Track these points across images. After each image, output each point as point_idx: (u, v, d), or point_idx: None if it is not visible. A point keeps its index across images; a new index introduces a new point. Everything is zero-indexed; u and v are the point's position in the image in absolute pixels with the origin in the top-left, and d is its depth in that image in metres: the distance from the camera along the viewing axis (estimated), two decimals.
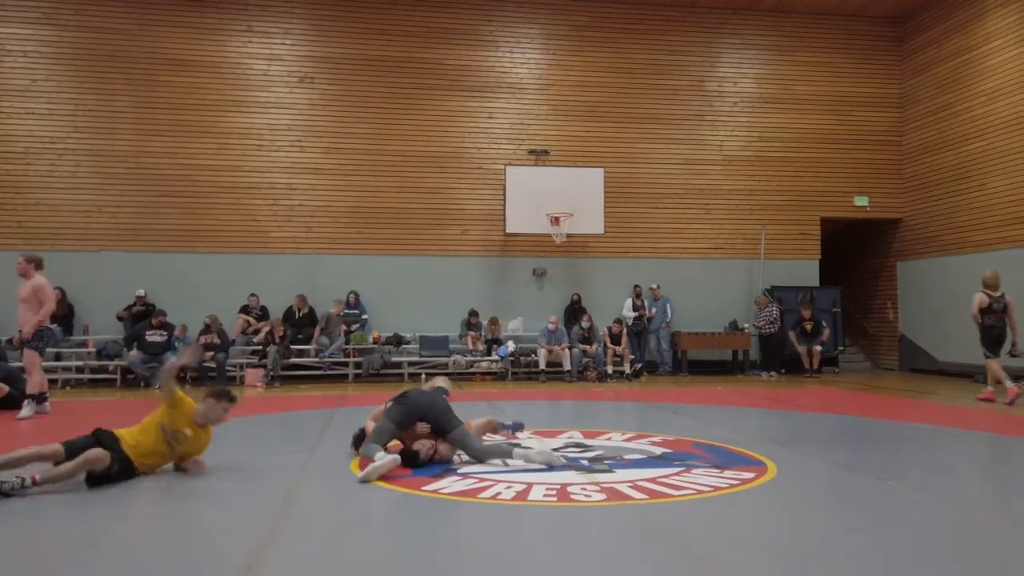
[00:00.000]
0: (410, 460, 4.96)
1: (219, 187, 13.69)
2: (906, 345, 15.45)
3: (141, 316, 12.70)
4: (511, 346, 13.34)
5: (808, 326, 14.07)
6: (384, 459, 4.66)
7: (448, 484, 4.52)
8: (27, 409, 7.88)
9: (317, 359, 13.06)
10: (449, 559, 3.26)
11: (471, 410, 6.26)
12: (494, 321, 13.73)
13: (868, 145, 15.52)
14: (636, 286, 14.31)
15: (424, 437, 5.12)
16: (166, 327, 12.17)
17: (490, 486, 4.45)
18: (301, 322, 13.25)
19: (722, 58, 15.31)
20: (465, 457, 5.17)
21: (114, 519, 3.92)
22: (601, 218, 13.75)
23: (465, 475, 4.76)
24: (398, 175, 14.17)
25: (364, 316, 13.62)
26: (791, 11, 15.30)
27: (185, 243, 13.52)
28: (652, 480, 4.61)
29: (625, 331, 13.71)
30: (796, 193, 15.30)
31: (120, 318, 12.92)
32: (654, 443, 6.06)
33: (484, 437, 5.81)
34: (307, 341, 13.12)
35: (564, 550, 3.37)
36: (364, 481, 4.54)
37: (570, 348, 13.23)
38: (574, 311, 14.05)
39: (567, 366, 13.09)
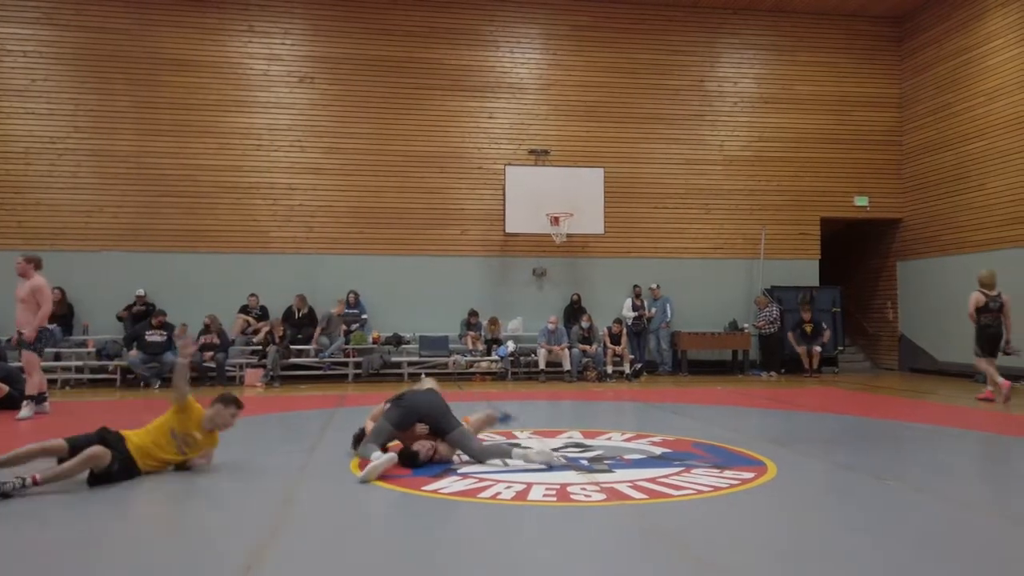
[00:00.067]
0: (410, 460, 4.96)
1: (219, 187, 13.69)
2: (906, 345, 15.46)
3: (141, 316, 12.70)
4: (511, 346, 13.34)
5: (808, 328, 14.07)
6: (381, 458, 4.66)
7: (448, 484, 4.52)
8: (26, 410, 7.88)
9: (317, 359, 13.06)
10: (449, 559, 3.26)
11: (470, 410, 6.25)
12: (494, 321, 13.73)
13: (868, 145, 15.53)
14: (636, 286, 14.31)
15: (423, 438, 5.12)
16: (166, 327, 12.16)
17: (490, 486, 4.45)
18: (301, 322, 13.25)
19: (722, 58, 15.31)
20: (465, 457, 5.17)
21: (114, 519, 3.92)
22: (601, 218, 13.75)
23: (465, 475, 4.76)
24: (398, 175, 14.17)
25: (364, 316, 13.62)
26: (791, 11, 15.31)
27: (185, 243, 13.52)
28: (652, 480, 4.61)
29: (625, 331, 13.71)
30: (796, 193, 15.30)
31: (120, 318, 12.92)
32: (654, 443, 6.06)
33: (483, 437, 5.81)
34: (307, 341, 13.12)
35: (564, 550, 3.37)
36: (364, 481, 4.54)
37: (570, 348, 13.23)
38: (574, 311, 14.05)
39: (567, 366, 13.09)
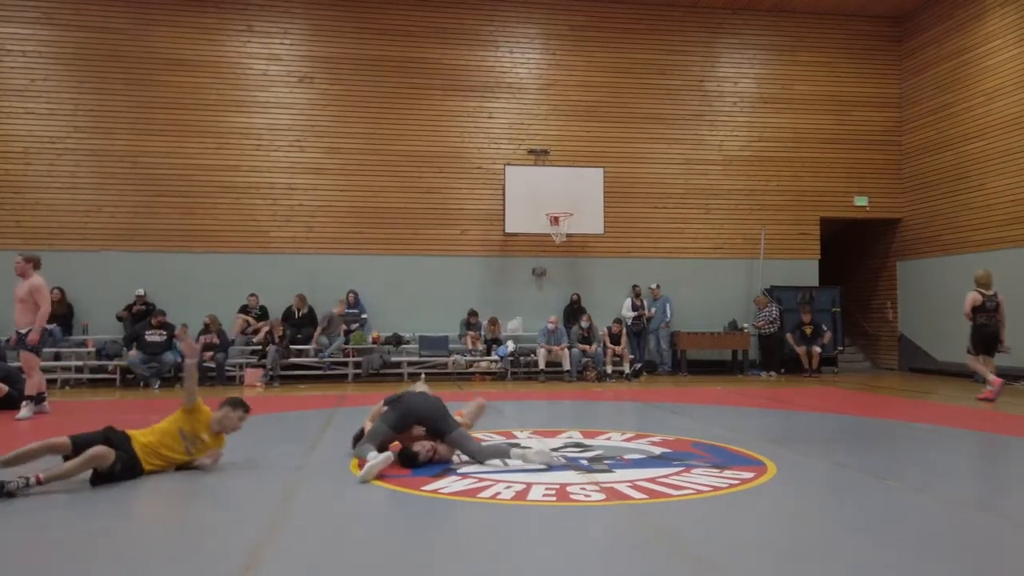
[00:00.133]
0: (409, 460, 4.95)
1: (219, 187, 13.69)
2: (905, 345, 15.46)
3: (141, 316, 12.70)
4: (510, 346, 13.34)
5: (808, 330, 14.08)
6: (378, 458, 4.66)
7: (447, 484, 4.52)
8: (26, 410, 7.88)
9: (316, 359, 13.05)
10: (448, 559, 3.25)
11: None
12: (493, 321, 13.73)
13: (868, 145, 15.53)
14: (635, 286, 14.31)
15: (421, 439, 5.11)
16: (166, 327, 12.16)
17: (489, 486, 4.44)
18: (300, 322, 13.25)
19: (722, 58, 15.31)
20: (464, 457, 5.17)
21: (113, 518, 3.92)
22: (601, 218, 13.75)
23: (464, 475, 4.76)
24: (398, 175, 14.17)
25: (363, 316, 13.62)
26: (791, 11, 15.31)
27: (185, 243, 13.51)
28: (652, 480, 4.60)
29: (625, 331, 13.71)
30: (796, 193, 15.30)
31: (120, 318, 12.91)
32: (653, 443, 6.06)
33: (482, 437, 5.80)
34: (306, 341, 13.12)
35: (564, 550, 3.37)
36: (363, 482, 4.54)
37: (569, 348, 13.23)
38: (573, 311, 14.04)
39: (566, 366, 13.09)
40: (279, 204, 13.90)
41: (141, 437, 4.69)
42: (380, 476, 4.64)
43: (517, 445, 5.32)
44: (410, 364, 13.28)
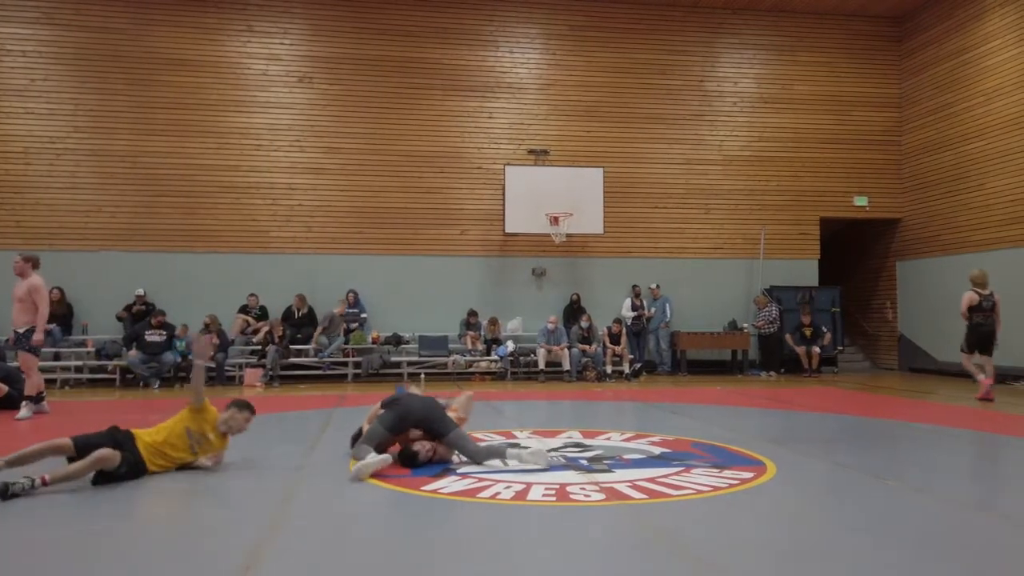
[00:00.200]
0: (410, 460, 4.96)
1: (219, 187, 13.69)
2: (905, 345, 15.46)
3: (140, 316, 12.69)
4: (510, 346, 13.34)
5: (808, 332, 14.08)
6: (374, 458, 4.67)
7: (447, 484, 4.52)
8: (25, 410, 7.88)
9: (316, 359, 13.05)
10: (448, 559, 3.25)
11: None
12: (493, 321, 13.73)
13: (867, 145, 15.53)
14: (635, 286, 14.31)
15: (418, 440, 5.10)
16: (165, 327, 12.16)
17: (489, 486, 4.45)
18: (300, 322, 13.24)
19: (722, 58, 15.31)
20: (464, 457, 5.17)
21: (114, 518, 3.92)
22: (601, 218, 13.75)
23: (464, 475, 4.76)
24: (397, 175, 14.17)
25: (363, 315, 13.62)
26: (791, 11, 15.31)
27: (184, 243, 13.51)
28: (651, 480, 4.60)
29: (624, 331, 13.71)
30: (796, 193, 15.30)
31: (120, 318, 12.91)
32: (653, 443, 6.06)
33: (481, 437, 5.80)
34: (306, 341, 13.11)
35: (563, 550, 3.37)
36: (355, 480, 4.55)
37: (569, 348, 13.22)
38: (573, 311, 14.04)
39: (566, 366, 13.08)
40: (279, 204, 13.90)
41: (146, 436, 4.71)
42: (380, 476, 4.64)
43: (515, 445, 5.32)
44: (410, 364, 13.28)
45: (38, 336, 7.83)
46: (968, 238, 13.82)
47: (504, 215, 13.69)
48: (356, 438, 5.37)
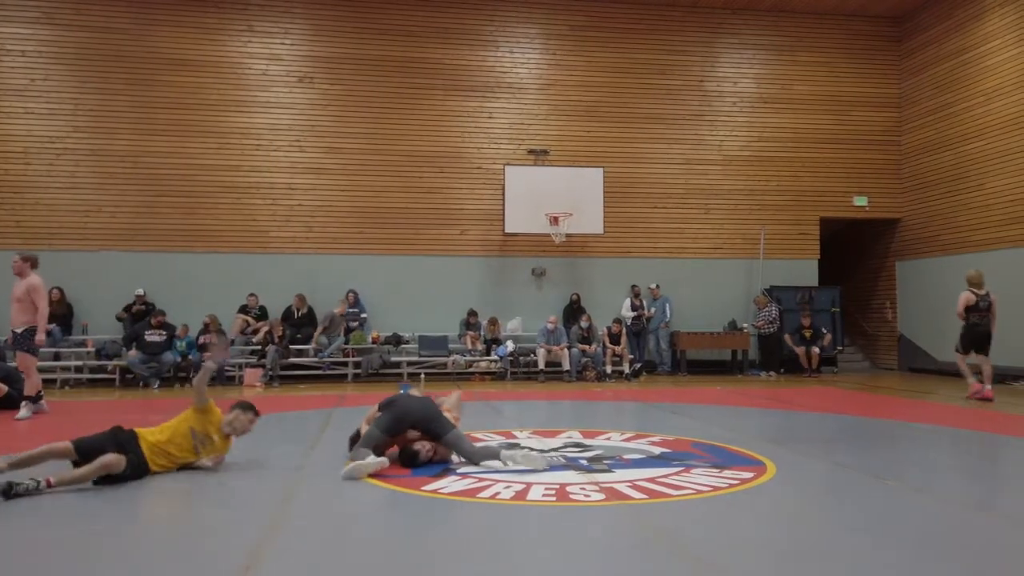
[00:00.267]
0: (410, 460, 4.95)
1: (219, 187, 13.69)
2: (905, 345, 15.46)
3: (140, 316, 12.69)
4: (510, 346, 13.34)
5: (808, 333, 14.08)
6: (372, 460, 4.67)
7: (447, 484, 4.52)
8: (25, 410, 7.88)
9: (316, 359, 13.05)
10: (448, 559, 3.25)
11: (470, 409, 6.25)
12: (493, 321, 13.73)
13: (867, 145, 15.53)
14: (634, 286, 14.31)
15: (416, 442, 5.09)
16: (165, 327, 12.16)
17: (489, 486, 4.45)
18: (300, 322, 13.24)
19: (722, 58, 15.32)
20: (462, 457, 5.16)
21: (115, 518, 3.92)
22: (600, 218, 13.75)
23: (464, 475, 4.76)
24: (398, 175, 14.17)
25: (363, 315, 13.62)
26: (790, 11, 15.31)
27: (184, 243, 13.51)
28: (651, 480, 4.60)
29: (624, 331, 13.71)
30: (795, 193, 15.31)
31: (119, 318, 12.91)
32: (653, 443, 6.06)
33: (481, 437, 5.79)
34: (306, 341, 13.11)
35: (563, 550, 3.37)
36: (348, 479, 4.56)
37: (569, 348, 13.22)
38: (573, 311, 14.04)
39: (566, 366, 13.08)
40: (279, 204, 13.90)
41: (150, 436, 4.71)
42: (380, 476, 4.64)
43: (516, 446, 5.32)
44: (410, 364, 13.28)
45: (40, 336, 7.83)
46: (968, 238, 13.82)
47: (504, 215, 13.69)
48: (354, 440, 5.37)
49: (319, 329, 13.13)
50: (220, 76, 13.82)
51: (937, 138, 14.62)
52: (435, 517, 3.91)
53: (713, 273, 14.96)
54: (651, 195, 14.88)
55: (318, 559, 3.18)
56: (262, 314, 13.33)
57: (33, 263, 7.99)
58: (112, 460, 4.35)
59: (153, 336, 12.05)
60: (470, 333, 13.57)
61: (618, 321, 13.83)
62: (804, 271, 15.27)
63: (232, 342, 12.79)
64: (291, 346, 12.91)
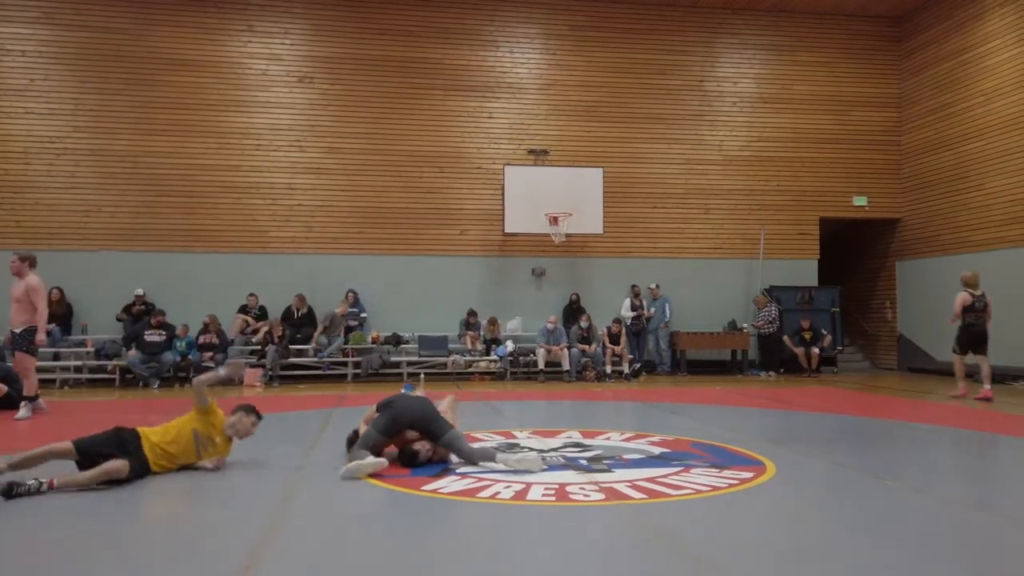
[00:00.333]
0: (410, 459, 4.95)
1: (219, 187, 13.69)
2: (905, 345, 15.46)
3: (140, 316, 12.69)
4: (510, 346, 13.34)
5: (807, 336, 14.09)
6: (370, 461, 4.67)
7: (447, 484, 4.52)
8: (24, 410, 7.88)
9: (316, 359, 13.05)
10: (448, 559, 3.26)
11: (469, 409, 6.24)
12: (493, 321, 13.73)
13: (867, 145, 15.53)
14: (634, 286, 14.31)
15: (414, 441, 5.09)
16: (165, 327, 12.16)
17: (489, 486, 4.45)
18: (300, 322, 13.24)
19: (722, 58, 15.32)
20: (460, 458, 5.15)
21: (115, 518, 3.92)
22: (600, 218, 13.76)
23: (464, 475, 4.76)
24: (397, 175, 14.17)
25: (363, 315, 13.62)
26: (790, 11, 15.31)
27: (184, 243, 13.51)
28: (651, 480, 4.60)
29: (624, 331, 13.71)
30: (795, 193, 15.31)
31: (119, 319, 12.90)
32: (653, 443, 6.06)
33: (481, 436, 5.79)
34: (306, 341, 13.11)
35: (563, 550, 3.37)
36: (346, 479, 4.56)
37: (569, 348, 13.22)
38: (573, 311, 14.04)
39: (566, 366, 13.08)
40: (279, 204, 13.90)
41: (153, 436, 4.71)
42: (379, 476, 4.64)
43: (514, 447, 5.31)
44: (409, 364, 13.27)
45: (40, 336, 7.83)
46: (968, 238, 13.82)
47: (504, 215, 13.69)
48: (352, 440, 5.36)
49: (319, 329, 13.13)
50: (220, 76, 13.82)
51: (937, 138, 14.62)
52: (435, 517, 3.91)
53: (713, 273, 14.96)
54: (651, 195, 14.89)
55: (318, 559, 3.18)
56: (262, 314, 13.33)
57: (31, 262, 7.97)
58: (116, 468, 4.35)
59: (153, 336, 12.04)
60: (470, 333, 13.57)
61: (618, 321, 13.83)
62: (804, 271, 15.28)
63: (231, 342, 12.79)
64: (291, 346, 12.91)
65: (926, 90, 14.93)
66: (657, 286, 14.41)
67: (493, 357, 13.30)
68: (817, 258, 15.46)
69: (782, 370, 14.24)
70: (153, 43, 13.60)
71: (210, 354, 12.15)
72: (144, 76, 13.53)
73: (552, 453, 5.47)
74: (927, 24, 14.92)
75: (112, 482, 4.39)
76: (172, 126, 13.56)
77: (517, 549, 3.43)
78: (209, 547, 3.41)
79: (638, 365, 13.60)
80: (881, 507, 4.05)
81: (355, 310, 13.57)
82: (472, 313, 13.74)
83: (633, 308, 14.17)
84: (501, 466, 4.86)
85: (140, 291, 12.97)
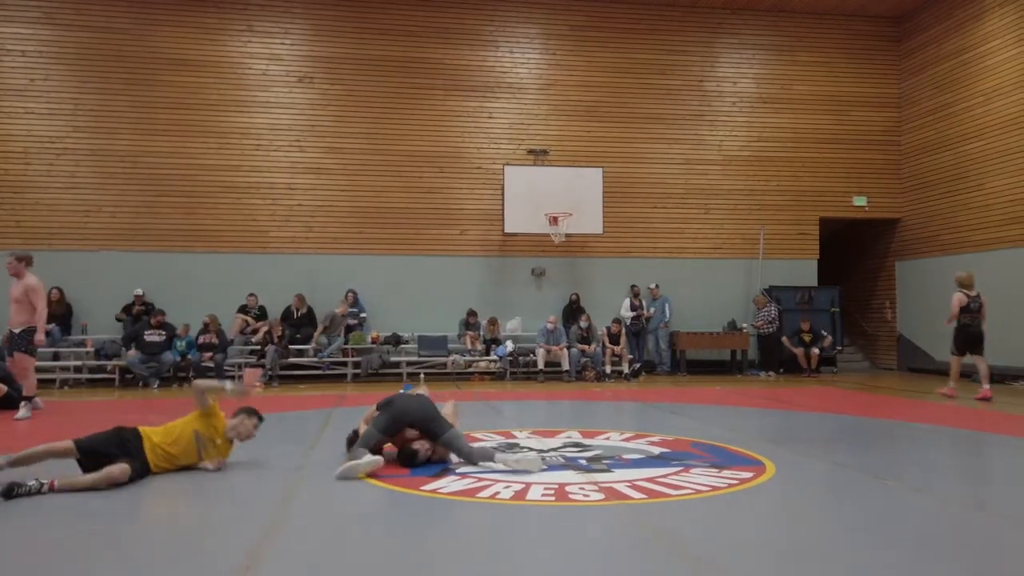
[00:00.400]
0: (409, 459, 4.95)
1: (219, 187, 13.69)
2: (904, 345, 15.46)
3: (140, 316, 12.69)
4: (510, 346, 13.34)
5: (807, 337, 14.09)
6: (366, 459, 4.66)
7: (446, 484, 4.52)
8: (24, 410, 7.88)
9: (316, 359, 13.04)
10: (448, 559, 3.26)
11: (469, 409, 6.25)
12: (493, 321, 13.73)
13: (867, 145, 15.54)
14: (633, 286, 14.31)
15: (414, 441, 5.08)
16: (165, 327, 12.16)
17: (488, 486, 4.45)
18: (299, 322, 13.24)
19: (721, 58, 15.32)
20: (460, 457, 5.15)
21: (115, 518, 3.91)
22: (600, 218, 13.76)
23: (463, 475, 4.76)
24: (397, 175, 14.17)
25: (363, 315, 13.62)
26: (790, 11, 15.31)
27: (184, 243, 13.51)
28: (650, 480, 4.60)
29: (624, 331, 13.71)
30: (795, 193, 15.31)
31: (119, 319, 12.90)
32: (652, 443, 6.06)
33: (480, 436, 5.79)
34: (305, 341, 13.11)
35: (563, 550, 3.37)
36: (343, 478, 4.55)
37: (569, 348, 13.22)
38: (573, 311, 14.04)
39: (566, 366, 13.08)
40: (279, 204, 13.90)
41: (154, 436, 4.71)
42: (379, 476, 4.64)
43: (514, 447, 5.31)
44: (409, 364, 13.28)
45: (39, 336, 7.82)
46: (967, 238, 13.83)
47: (503, 215, 13.69)
48: (351, 440, 5.36)
49: (319, 329, 13.12)
50: (220, 76, 13.82)
51: (937, 138, 14.63)
52: (435, 517, 3.91)
53: (713, 273, 14.96)
54: (651, 195, 14.89)
55: (318, 559, 3.18)
56: (262, 314, 13.33)
57: (28, 262, 7.97)
58: (118, 473, 4.35)
59: (153, 336, 12.04)
60: (470, 333, 13.57)
61: (617, 321, 13.83)
62: (804, 271, 15.28)
63: (231, 342, 12.79)
64: (290, 346, 12.91)
65: (926, 90, 14.93)
66: (657, 286, 14.41)
67: (493, 357, 13.30)
68: (817, 258, 15.47)
69: (782, 370, 14.24)
70: (153, 43, 13.60)
71: (210, 354, 12.15)
72: (144, 76, 13.53)
73: (552, 453, 5.48)
74: (927, 24, 14.92)
75: (112, 485, 4.39)
76: (172, 126, 13.56)
77: (517, 549, 3.43)
78: (209, 547, 3.41)
79: (638, 365, 13.60)
80: (881, 507, 4.05)
81: (355, 310, 13.57)
82: (472, 313, 13.74)
83: (633, 308, 14.17)
84: (500, 466, 4.86)
85: (140, 291, 12.97)
